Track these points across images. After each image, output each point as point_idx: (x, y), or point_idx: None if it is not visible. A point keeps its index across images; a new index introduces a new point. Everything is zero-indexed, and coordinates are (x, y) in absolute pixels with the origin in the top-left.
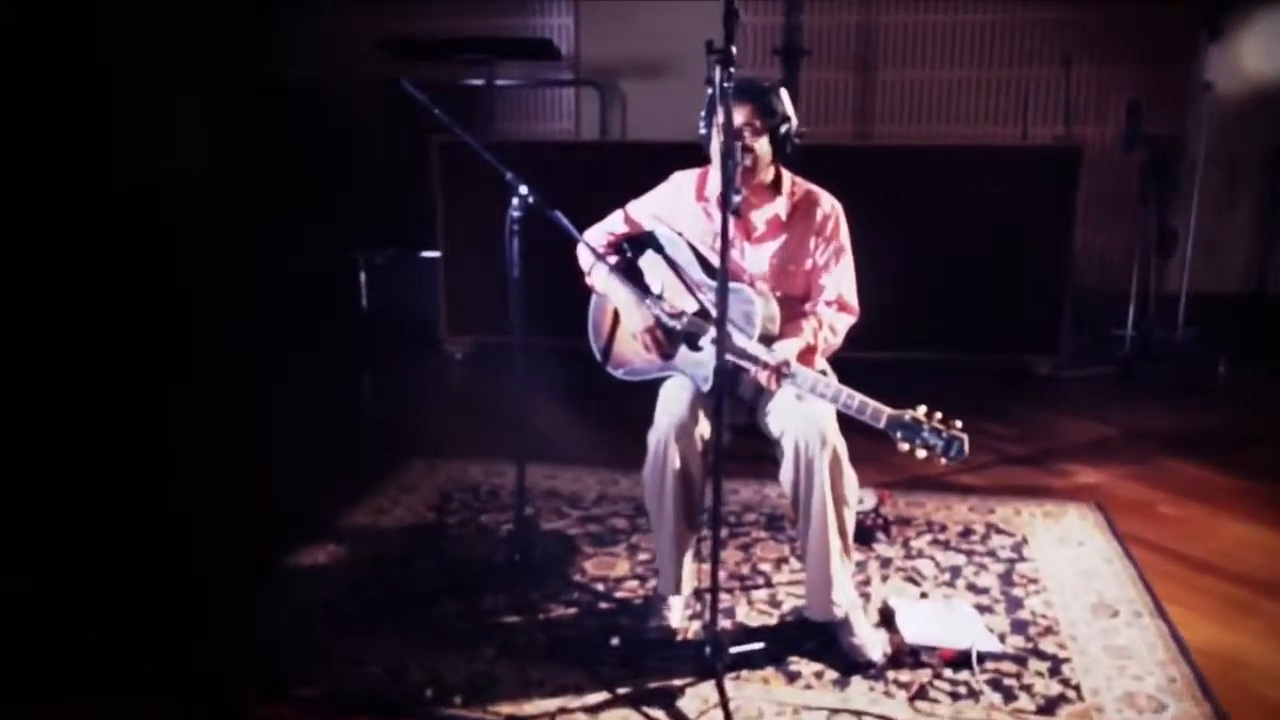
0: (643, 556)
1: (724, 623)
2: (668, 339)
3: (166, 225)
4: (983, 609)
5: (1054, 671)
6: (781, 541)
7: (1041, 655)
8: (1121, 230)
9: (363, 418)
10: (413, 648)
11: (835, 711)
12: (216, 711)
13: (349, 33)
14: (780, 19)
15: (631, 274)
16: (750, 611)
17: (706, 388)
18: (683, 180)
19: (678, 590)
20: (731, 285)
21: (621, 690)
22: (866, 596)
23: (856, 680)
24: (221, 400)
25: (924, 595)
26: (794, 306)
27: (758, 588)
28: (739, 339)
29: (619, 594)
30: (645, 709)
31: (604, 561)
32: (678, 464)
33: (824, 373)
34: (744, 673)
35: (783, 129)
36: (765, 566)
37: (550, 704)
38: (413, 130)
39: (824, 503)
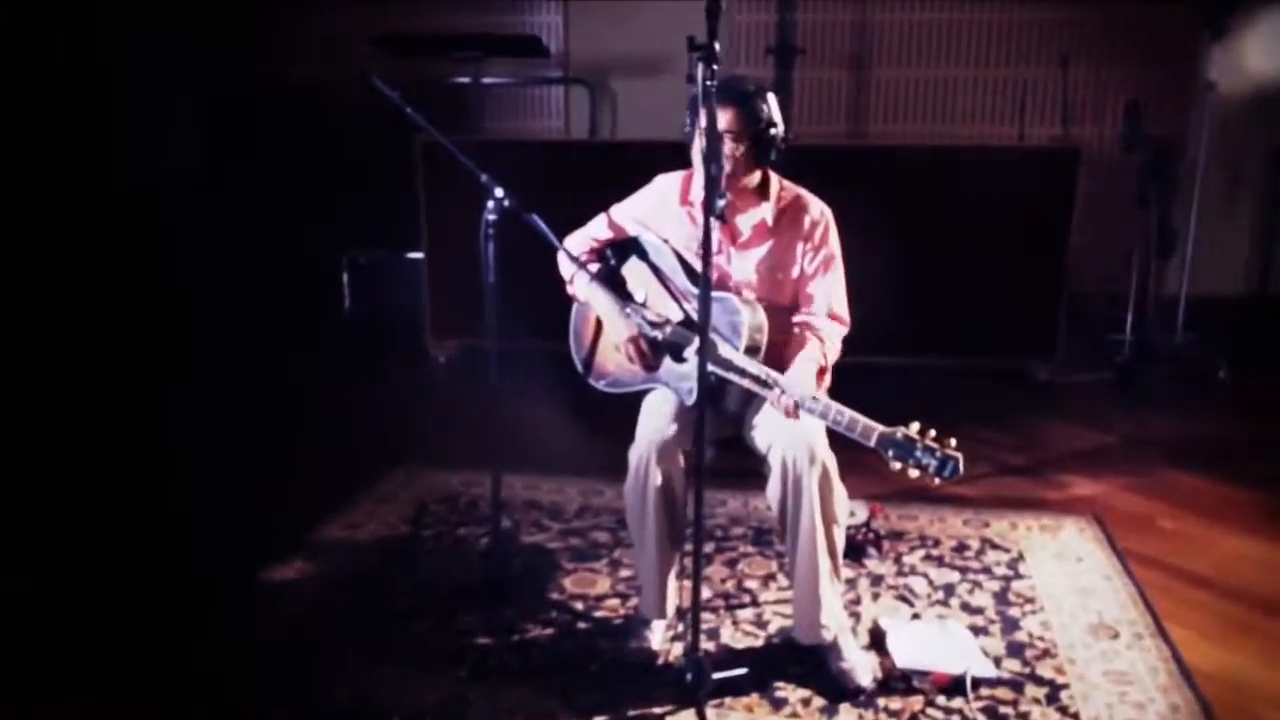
0: (624, 573)
1: (707, 644)
2: (651, 350)
3: (158, 224)
4: (977, 630)
5: (1052, 698)
6: (769, 557)
7: (1039, 680)
8: (1120, 232)
9: (341, 424)
10: (382, 669)
11: None
12: None
13: (343, 32)
14: (774, 17)
15: (614, 282)
16: (735, 633)
17: (691, 401)
18: (667, 183)
19: (660, 614)
20: (717, 294)
21: (598, 718)
22: (856, 616)
23: (845, 708)
24: (199, 404)
25: (916, 616)
26: (782, 317)
27: (743, 606)
28: (724, 350)
29: (598, 613)
30: None
31: (584, 578)
32: (659, 481)
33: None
34: (727, 699)
35: (768, 134)
36: (752, 584)
37: None
38: (399, 129)
39: (813, 521)
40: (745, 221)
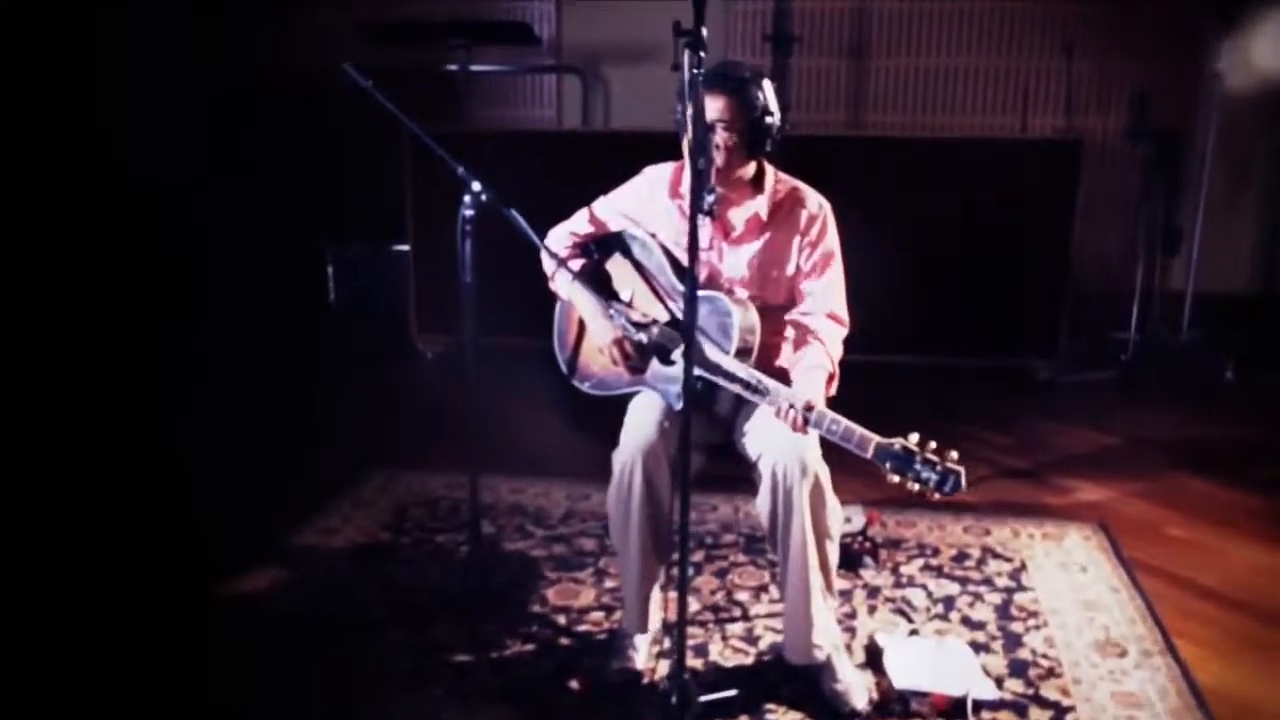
0: (609, 584)
1: (694, 661)
2: (637, 352)
3: (140, 218)
4: (978, 647)
5: None
6: (762, 567)
7: (1043, 703)
8: (1124, 227)
9: (321, 423)
10: (353, 686)
11: None
12: None
13: (331, 20)
14: (770, 3)
15: (598, 279)
16: (724, 649)
17: (679, 406)
18: (655, 175)
19: (644, 629)
20: (706, 294)
21: None
22: (851, 632)
23: None
24: (172, 402)
25: (914, 632)
26: (775, 317)
27: (733, 620)
28: (713, 353)
29: (581, 627)
30: None
31: (567, 589)
32: (644, 490)
33: None
34: None
35: (763, 124)
36: (742, 595)
37: None
38: (385, 118)
39: (804, 536)
40: (738, 215)
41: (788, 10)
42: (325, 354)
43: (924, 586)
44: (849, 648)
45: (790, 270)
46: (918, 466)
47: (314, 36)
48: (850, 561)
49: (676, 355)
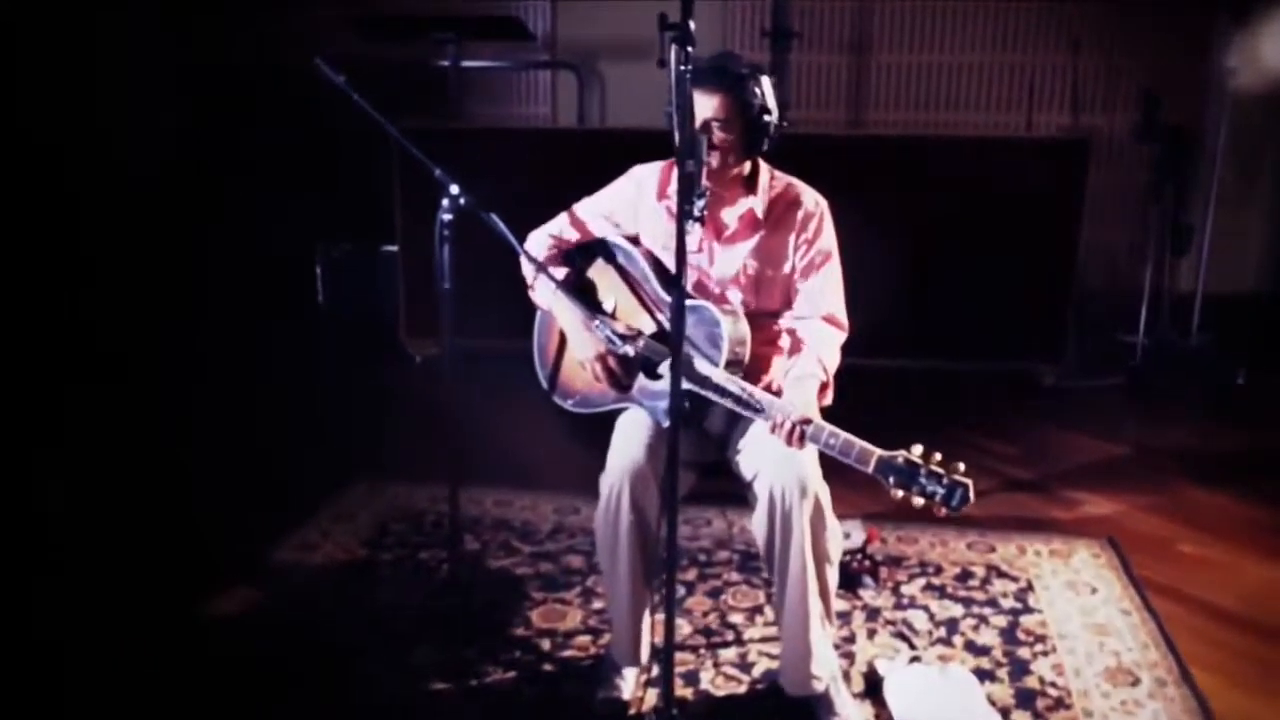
0: (596, 604)
1: (684, 691)
2: (621, 367)
3: (125, 215)
4: (983, 674)
5: None
6: (757, 586)
7: None
8: (1131, 227)
9: (305, 430)
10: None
11: None
12: None
13: (321, 14)
14: None
15: (581, 288)
16: (716, 677)
17: (667, 423)
18: (643, 176)
19: (634, 660)
20: (694, 303)
21: None
22: (850, 657)
23: None
24: (151, 407)
25: (916, 658)
26: (768, 326)
27: (726, 645)
28: (702, 365)
29: (566, 652)
30: None
31: (553, 611)
32: (633, 514)
33: None
34: None
35: (761, 122)
36: (737, 618)
37: None
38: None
39: (803, 561)
40: (731, 214)
41: (787, 5)
42: (313, 357)
43: (926, 608)
44: (847, 675)
45: (786, 270)
46: (923, 480)
47: (312, 33)
48: (849, 581)
49: (663, 369)
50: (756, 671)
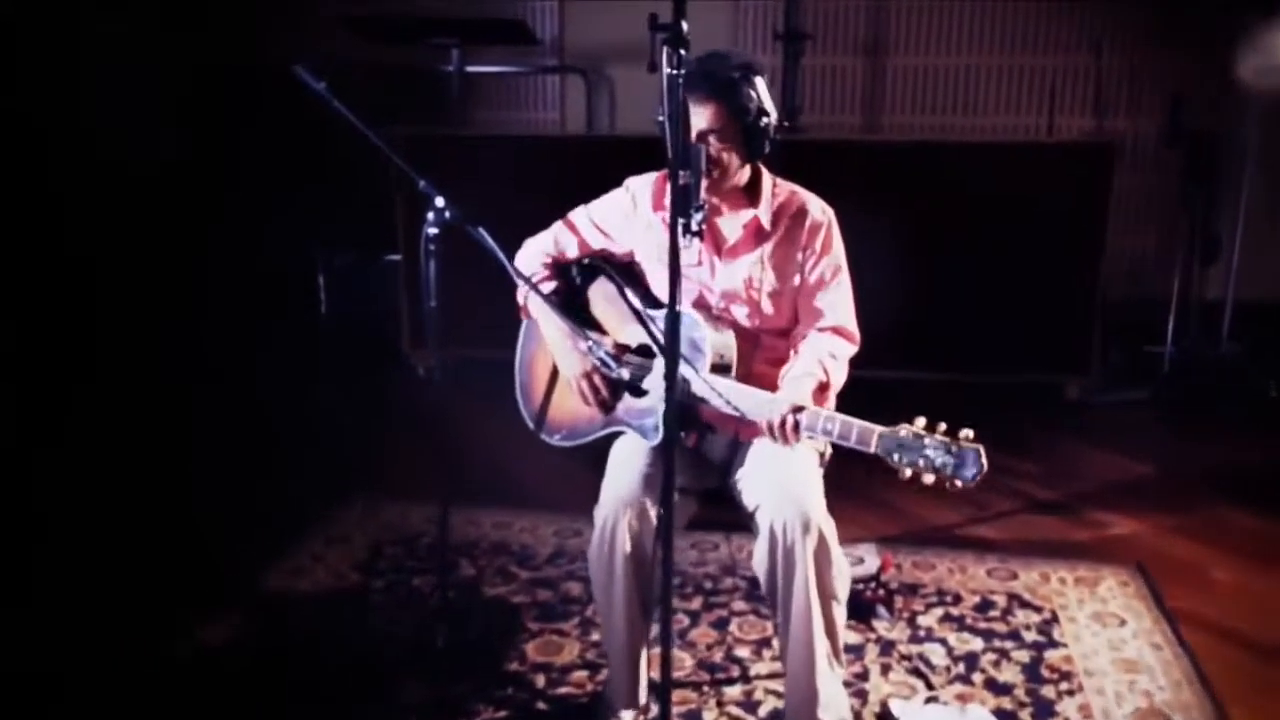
0: (594, 636)
1: None
2: (608, 386)
3: (123, 220)
4: (1005, 716)
5: None
6: (765, 616)
7: None
8: (1158, 234)
9: (301, 446)
10: None
11: None
12: None
13: (322, 16)
14: None
15: (570, 302)
16: (720, 718)
17: (656, 439)
18: (638, 187)
19: (631, 702)
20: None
21: None
22: (862, 696)
23: None
24: (145, 421)
25: (933, 698)
26: (774, 343)
27: (731, 682)
28: (685, 372)
29: (562, 689)
30: None
31: (550, 643)
32: (629, 547)
33: None
34: None
35: (758, 126)
36: (743, 651)
37: None
38: (380, 121)
39: (807, 599)
40: (732, 225)
41: (799, 6)
42: (314, 367)
43: (943, 641)
44: (859, 716)
45: (795, 282)
46: (929, 452)
47: (315, 35)
48: (862, 611)
49: (648, 382)
50: (763, 711)
